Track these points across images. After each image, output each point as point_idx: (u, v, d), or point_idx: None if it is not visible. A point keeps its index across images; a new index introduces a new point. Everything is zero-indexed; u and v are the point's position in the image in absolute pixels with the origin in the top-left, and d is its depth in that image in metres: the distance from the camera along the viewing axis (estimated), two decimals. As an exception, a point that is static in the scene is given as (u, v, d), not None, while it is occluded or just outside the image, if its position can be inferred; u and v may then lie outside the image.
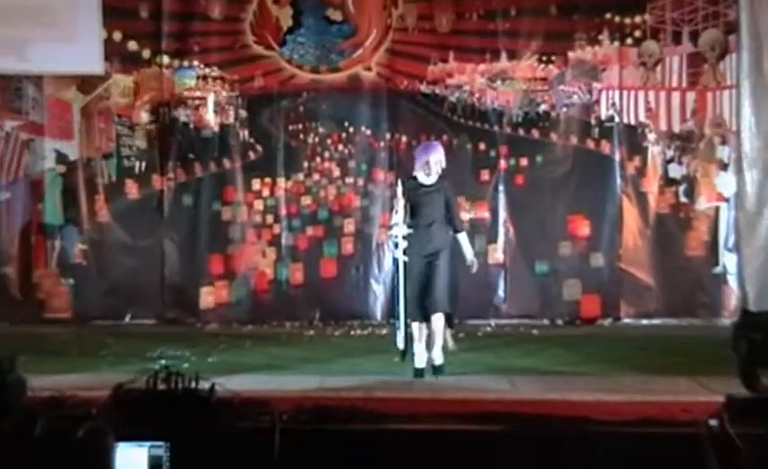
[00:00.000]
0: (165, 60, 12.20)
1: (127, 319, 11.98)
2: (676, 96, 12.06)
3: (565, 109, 12.19)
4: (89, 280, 12.09)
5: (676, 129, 12.05)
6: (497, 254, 12.01)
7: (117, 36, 12.11)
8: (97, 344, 9.96)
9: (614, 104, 12.11)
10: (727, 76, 11.91)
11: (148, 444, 5.11)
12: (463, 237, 8.30)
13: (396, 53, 12.22)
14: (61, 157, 12.29)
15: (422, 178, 8.18)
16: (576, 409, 6.17)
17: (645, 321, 11.77)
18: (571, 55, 12.13)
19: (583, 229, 11.96)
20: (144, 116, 12.31)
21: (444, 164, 8.20)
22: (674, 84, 12.07)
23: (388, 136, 12.19)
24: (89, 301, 12.02)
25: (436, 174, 8.15)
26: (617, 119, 12.07)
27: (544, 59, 12.16)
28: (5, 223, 12.25)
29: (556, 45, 12.13)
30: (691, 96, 12.04)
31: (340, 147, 12.28)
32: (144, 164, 12.30)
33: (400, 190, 8.13)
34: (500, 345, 10.08)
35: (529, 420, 5.80)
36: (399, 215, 8.03)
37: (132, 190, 12.28)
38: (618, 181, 11.97)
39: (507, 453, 5.51)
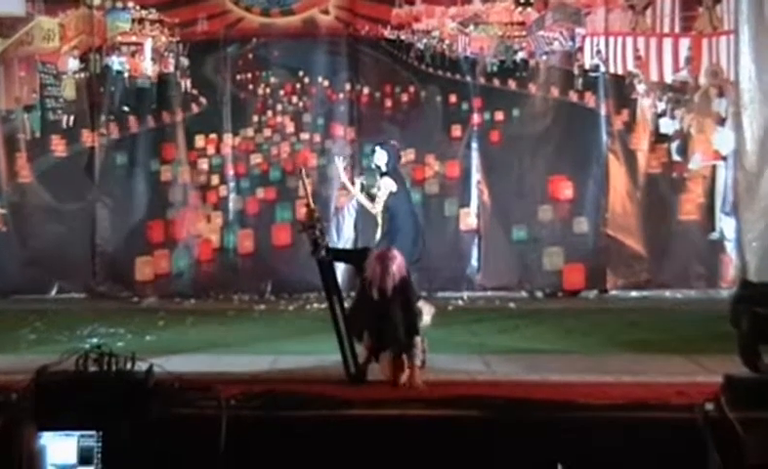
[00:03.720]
0: (96, 0, 12.00)
1: (53, 292, 11.87)
2: (668, 42, 12.08)
3: (545, 58, 12.19)
4: (9, 249, 11.93)
5: (668, 79, 12.08)
6: (470, 219, 12.02)
7: (40, -29, 11.93)
8: (17, 321, 9.80)
9: (599, 51, 12.11)
10: (725, 20, 11.94)
11: (76, 433, 5.06)
12: (416, 342, 6.85)
13: (356, -7, 12.16)
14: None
15: (375, 293, 6.93)
16: (558, 392, 6.12)
17: (634, 293, 11.84)
18: (551, -5, 12.12)
19: (566, 191, 11.99)
20: (71, 64, 12.16)
21: (404, 272, 7.01)
22: (666, 29, 12.09)
23: (348, 87, 12.12)
24: (9, 272, 11.85)
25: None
26: (602, 69, 12.09)
27: (522, 1, 12.14)
28: None
29: (535, -16, 12.12)
30: (685, 42, 12.06)
31: (294, 99, 12.20)
32: (72, 118, 12.16)
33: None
34: (473, 320, 10.05)
35: (505, 405, 5.74)
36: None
37: (58, 146, 12.13)
38: (604, 137, 11.99)
39: (481, 442, 5.48)
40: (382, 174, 9.57)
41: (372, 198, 9.44)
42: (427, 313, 8.72)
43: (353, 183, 9.67)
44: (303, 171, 8.47)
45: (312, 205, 7.39)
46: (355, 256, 7.68)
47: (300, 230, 7.37)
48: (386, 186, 9.47)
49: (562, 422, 5.55)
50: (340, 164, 9.79)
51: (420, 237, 9.64)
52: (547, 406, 5.72)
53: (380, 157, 9.56)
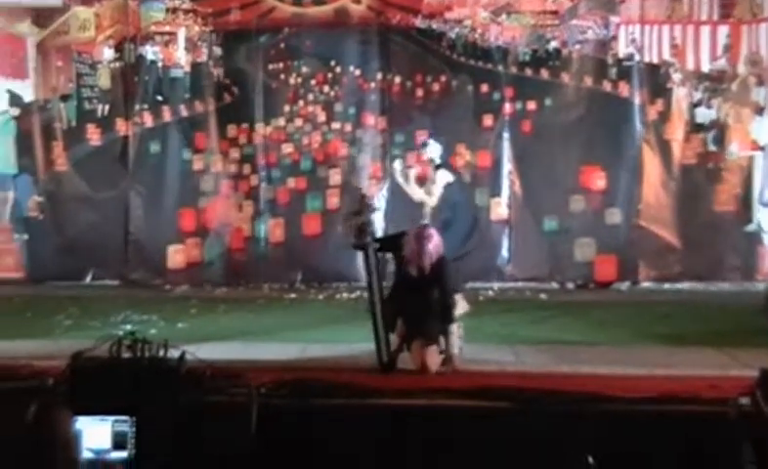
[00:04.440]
0: (131, -10, 12.13)
1: (87, 279, 11.97)
2: (706, 30, 11.95)
3: (578, 46, 12.12)
4: (45, 236, 12.03)
5: (705, 68, 11.96)
6: (501, 209, 11.96)
7: (75, -38, 12.02)
8: (53, 307, 9.87)
9: (633, 40, 12.02)
10: (765, 7, 11.80)
11: (111, 418, 5.10)
12: (453, 329, 7.01)
13: (388, -17, 12.16)
14: (14, 99, 12.21)
15: (413, 270, 7.02)
16: (589, 384, 6.08)
17: (667, 286, 11.74)
18: (586, -16, 12.06)
19: (598, 181, 11.90)
20: (106, 53, 12.25)
21: (441, 251, 7.07)
22: (704, 17, 11.97)
23: (379, 76, 12.10)
24: (45, 259, 11.98)
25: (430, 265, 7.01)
26: (637, 57, 11.99)
27: (555, -10, 12.11)
28: (-50, 172, 12.23)
29: (569, -27, 12.09)
30: (723, 30, 11.93)
31: (325, 88, 12.20)
32: (106, 107, 12.25)
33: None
34: (504, 311, 10.00)
35: (534, 396, 5.74)
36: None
37: (93, 135, 12.22)
38: (638, 127, 11.89)
39: (509, 432, 5.47)
40: (437, 166, 9.55)
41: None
42: (461, 309, 8.76)
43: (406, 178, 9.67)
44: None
45: (364, 192, 7.39)
46: (392, 242, 7.59)
47: (352, 213, 7.33)
48: (443, 177, 9.46)
49: (592, 414, 5.53)
50: (398, 169, 9.74)
51: (476, 231, 9.62)
52: (577, 399, 5.69)
53: (434, 150, 9.57)
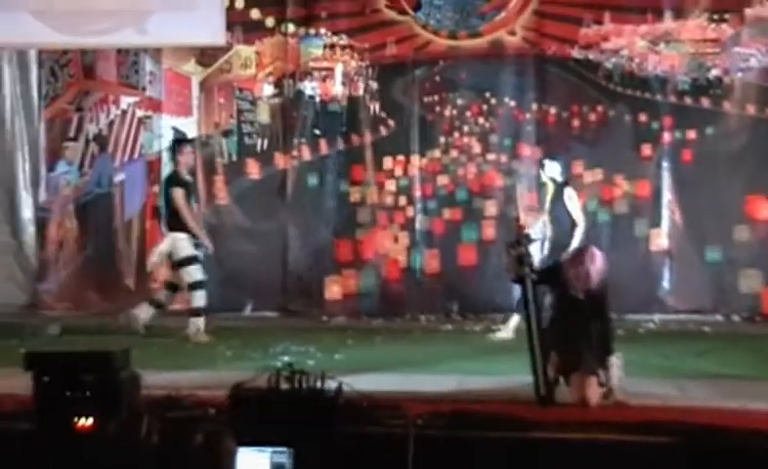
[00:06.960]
0: (290, 28, 12.36)
1: (247, 310, 12.18)
2: None
3: (740, 74, 11.76)
4: (206, 268, 12.25)
5: None
6: (661, 240, 11.69)
7: (240, 3, 12.31)
8: (215, 338, 10.09)
9: (799, 66, 11.60)
10: None
11: (269, 449, 5.10)
12: (613, 361, 6.70)
13: (544, 15, 12.04)
14: (178, 135, 12.57)
15: (579, 294, 6.83)
16: (757, 421, 5.83)
17: (841, 320, 11.21)
18: (748, 11, 11.67)
19: (764, 211, 11.51)
20: (266, 89, 12.51)
21: (604, 272, 6.85)
22: None
23: (535, 107, 12.01)
24: (207, 291, 12.19)
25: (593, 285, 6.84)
26: (802, 84, 11.56)
27: (716, 17, 11.76)
28: (119, 207, 12.64)
29: (730, 0, 11.69)
30: None
31: (481, 120, 12.17)
32: (266, 141, 12.50)
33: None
34: (666, 344, 9.68)
35: (700, 432, 5.52)
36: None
37: (253, 169, 12.49)
38: (805, 156, 11.45)
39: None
40: (562, 185, 9.46)
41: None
42: None
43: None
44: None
45: (521, 221, 7.24)
46: (551, 273, 7.37)
47: (511, 244, 7.18)
48: (571, 195, 9.37)
49: (761, 452, 5.29)
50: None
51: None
52: (745, 436, 5.45)
53: (553, 169, 9.48)
